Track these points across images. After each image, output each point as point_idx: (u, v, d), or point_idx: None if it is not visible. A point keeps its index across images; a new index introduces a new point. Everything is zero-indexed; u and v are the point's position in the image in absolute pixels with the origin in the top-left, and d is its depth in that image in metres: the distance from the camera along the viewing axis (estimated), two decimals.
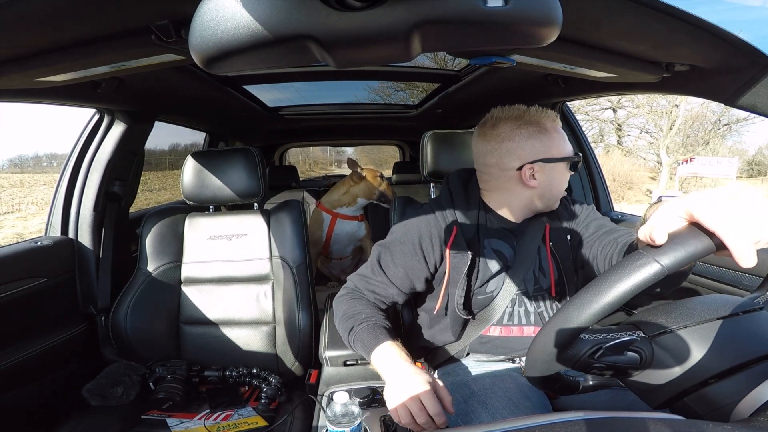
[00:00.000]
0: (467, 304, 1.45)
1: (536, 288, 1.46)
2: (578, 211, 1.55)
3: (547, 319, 1.46)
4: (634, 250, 1.15)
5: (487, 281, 1.43)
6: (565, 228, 1.52)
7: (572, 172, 1.46)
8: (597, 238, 1.44)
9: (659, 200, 0.91)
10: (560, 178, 1.43)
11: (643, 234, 0.70)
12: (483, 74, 2.13)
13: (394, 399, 1.12)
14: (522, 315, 1.47)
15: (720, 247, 0.63)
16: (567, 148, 1.43)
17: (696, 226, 0.66)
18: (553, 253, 1.47)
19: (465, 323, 1.47)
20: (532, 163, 1.39)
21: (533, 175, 1.40)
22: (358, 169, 3.37)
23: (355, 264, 3.54)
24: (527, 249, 1.46)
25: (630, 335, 0.77)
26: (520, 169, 1.41)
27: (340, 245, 3.40)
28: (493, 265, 1.44)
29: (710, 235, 0.64)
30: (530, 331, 1.46)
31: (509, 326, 1.47)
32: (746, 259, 0.61)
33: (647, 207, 0.94)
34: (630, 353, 0.76)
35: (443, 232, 1.45)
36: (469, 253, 1.39)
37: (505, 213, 1.50)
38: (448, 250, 1.42)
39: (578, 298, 0.73)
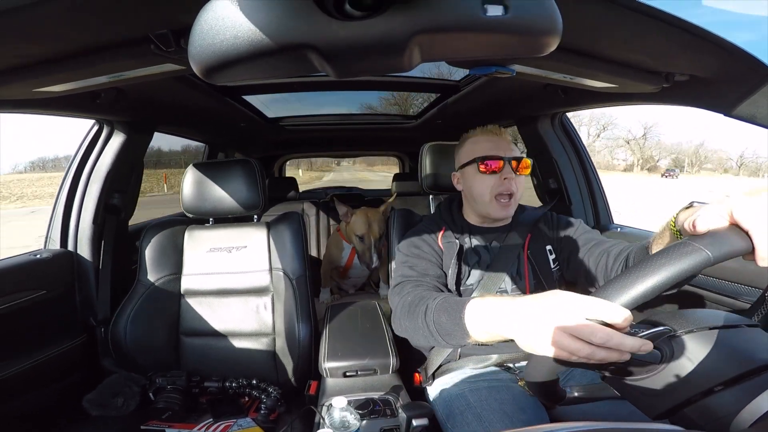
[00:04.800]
0: (458, 287, 1.59)
1: (513, 289, 1.60)
2: (564, 225, 1.67)
3: None
4: (631, 257, 1.19)
5: (469, 273, 1.61)
6: (548, 239, 1.67)
7: (486, 173, 1.58)
8: (587, 251, 1.52)
9: (691, 205, 0.93)
10: (473, 180, 1.62)
11: (688, 222, 0.76)
12: (483, 84, 2.13)
13: (548, 328, 0.78)
14: None
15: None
16: (475, 153, 1.62)
17: (735, 226, 0.71)
18: (530, 260, 1.61)
19: None
20: (455, 172, 1.75)
21: (458, 181, 1.73)
22: (345, 210, 3.15)
23: (369, 276, 3.59)
24: (507, 253, 1.62)
25: (660, 328, 0.75)
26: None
27: (357, 270, 3.39)
28: (474, 260, 1.63)
29: (746, 233, 0.69)
30: None
31: None
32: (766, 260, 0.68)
33: (679, 210, 0.98)
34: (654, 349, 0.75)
35: (436, 233, 1.68)
36: (457, 241, 1.62)
37: (470, 218, 1.74)
38: (440, 240, 1.65)
39: (618, 280, 0.72)
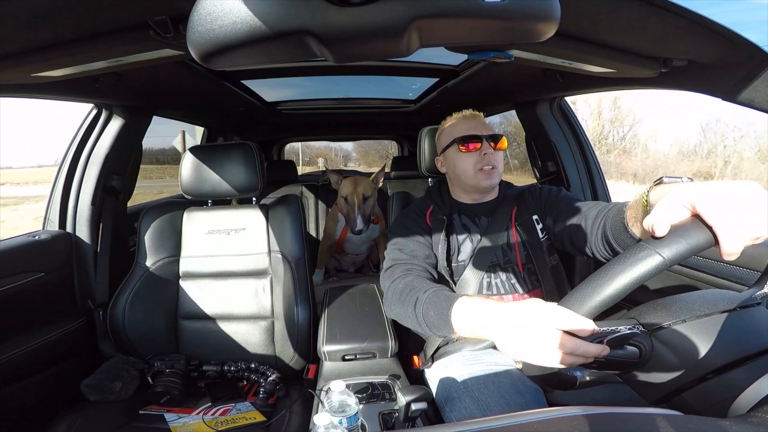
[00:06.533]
0: (450, 264, 1.66)
1: (506, 260, 1.67)
2: (547, 194, 1.72)
3: (518, 289, 1.64)
4: (608, 225, 1.20)
5: (460, 250, 1.69)
6: (534, 210, 1.72)
7: (466, 151, 1.68)
8: (568, 217, 1.56)
9: (660, 180, 0.92)
10: (455, 159, 1.72)
11: (647, 224, 0.73)
12: (481, 69, 2.13)
13: (533, 340, 0.82)
14: (499, 285, 1.64)
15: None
16: (454, 135, 1.73)
17: (697, 218, 0.68)
18: (518, 231, 1.69)
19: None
20: (437, 156, 1.86)
21: (442, 165, 1.84)
22: (336, 178, 3.23)
23: (368, 256, 3.60)
24: (496, 227, 1.70)
25: (630, 329, 0.77)
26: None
27: (353, 245, 3.37)
28: (463, 236, 1.71)
29: (710, 228, 0.66)
30: (509, 299, 1.61)
31: (489, 296, 1.61)
32: (732, 255, 0.66)
33: (649, 186, 0.96)
34: (630, 347, 0.76)
35: (424, 211, 1.77)
36: (444, 217, 1.70)
37: (458, 197, 1.82)
38: (428, 217, 1.73)
39: (579, 291, 0.73)
